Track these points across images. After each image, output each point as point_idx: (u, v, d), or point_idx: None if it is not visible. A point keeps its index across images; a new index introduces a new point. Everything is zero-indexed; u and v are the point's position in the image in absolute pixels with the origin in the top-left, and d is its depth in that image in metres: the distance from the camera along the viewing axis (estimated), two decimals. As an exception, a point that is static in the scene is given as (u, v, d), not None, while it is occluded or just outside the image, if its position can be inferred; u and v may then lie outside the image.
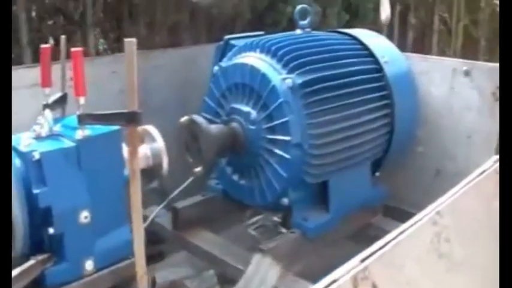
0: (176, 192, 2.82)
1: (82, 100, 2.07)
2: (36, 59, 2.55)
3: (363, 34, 2.95)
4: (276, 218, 2.81)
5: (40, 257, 2.04)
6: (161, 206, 2.84)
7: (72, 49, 2.11)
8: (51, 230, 2.05)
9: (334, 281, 1.28)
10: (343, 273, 1.31)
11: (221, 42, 2.92)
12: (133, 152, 1.96)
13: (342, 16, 4.38)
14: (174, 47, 3.72)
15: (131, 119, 1.89)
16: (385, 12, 3.24)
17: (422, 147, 3.06)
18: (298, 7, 2.79)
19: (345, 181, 2.69)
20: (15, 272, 1.91)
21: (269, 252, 2.44)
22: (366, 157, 2.79)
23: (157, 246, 2.90)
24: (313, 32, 2.85)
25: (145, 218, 2.72)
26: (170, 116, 2.60)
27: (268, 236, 2.73)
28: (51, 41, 3.75)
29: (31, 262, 2.00)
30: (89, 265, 2.16)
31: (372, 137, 2.74)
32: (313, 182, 2.58)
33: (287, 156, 2.46)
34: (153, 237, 2.78)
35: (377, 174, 2.95)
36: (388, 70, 2.82)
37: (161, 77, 3.20)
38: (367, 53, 2.84)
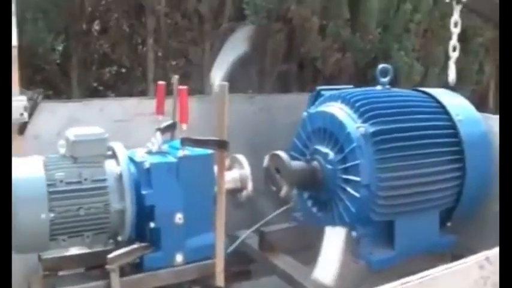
0: (265, 220, 3.46)
1: (184, 126, 2.84)
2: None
3: (440, 93, 3.43)
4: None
5: (142, 244, 2.81)
6: (251, 229, 3.46)
7: (179, 87, 2.89)
8: (152, 224, 2.82)
9: None
10: (383, 291, 1.72)
11: (314, 92, 3.58)
12: (220, 173, 2.67)
13: (444, 77, 4.86)
14: (280, 94, 4.47)
15: (220, 145, 2.59)
16: (452, 74, 3.73)
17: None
18: (380, 66, 3.37)
19: (411, 224, 3.14)
20: (122, 251, 2.68)
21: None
22: (434, 205, 3.20)
23: (246, 266, 3.48)
24: (392, 89, 3.40)
25: (236, 239, 3.42)
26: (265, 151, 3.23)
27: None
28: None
29: (134, 246, 2.77)
30: (179, 257, 2.90)
31: (441, 187, 3.17)
32: (379, 220, 3.11)
33: (357, 194, 2.99)
34: (243, 256, 3.42)
35: (448, 224, 3.37)
36: (462, 127, 3.26)
37: (263, 118, 3.91)
38: (442, 110, 3.32)
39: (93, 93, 4.39)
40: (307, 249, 3.48)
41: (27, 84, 4.04)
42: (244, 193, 3.10)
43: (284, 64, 4.66)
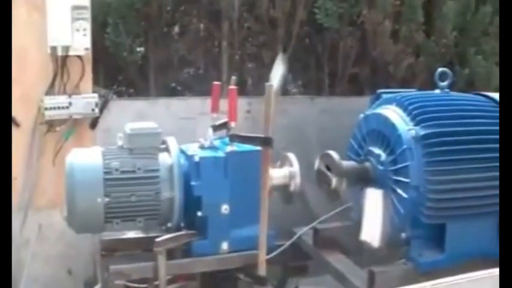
0: (322, 218, 3.64)
1: (233, 124, 3.08)
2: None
3: (503, 97, 3.48)
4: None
5: (189, 231, 3.09)
6: (308, 227, 3.64)
7: (230, 87, 3.13)
8: (199, 213, 3.09)
9: None
10: None
11: (374, 95, 3.71)
12: (265, 169, 2.88)
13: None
14: (350, 96, 4.63)
15: (265, 142, 2.80)
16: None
17: None
18: (439, 70, 3.44)
19: (464, 228, 3.21)
20: (169, 236, 2.97)
21: (381, 274, 3.13)
22: (490, 211, 3.21)
23: (303, 261, 3.67)
24: (451, 92, 3.46)
25: (293, 234, 3.60)
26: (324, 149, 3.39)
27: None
28: (250, 81, 4.89)
29: (182, 232, 3.08)
30: (225, 246, 3.17)
31: (497, 193, 3.22)
32: (428, 222, 3.19)
33: (405, 195, 3.11)
34: (299, 252, 3.60)
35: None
36: (521, 133, 3.30)
37: (324, 120, 4.08)
38: (502, 115, 3.36)
39: (171, 93, 4.71)
40: (361, 248, 3.62)
41: (109, 83, 4.44)
42: (292, 188, 3.28)
43: (356, 67, 4.79)
